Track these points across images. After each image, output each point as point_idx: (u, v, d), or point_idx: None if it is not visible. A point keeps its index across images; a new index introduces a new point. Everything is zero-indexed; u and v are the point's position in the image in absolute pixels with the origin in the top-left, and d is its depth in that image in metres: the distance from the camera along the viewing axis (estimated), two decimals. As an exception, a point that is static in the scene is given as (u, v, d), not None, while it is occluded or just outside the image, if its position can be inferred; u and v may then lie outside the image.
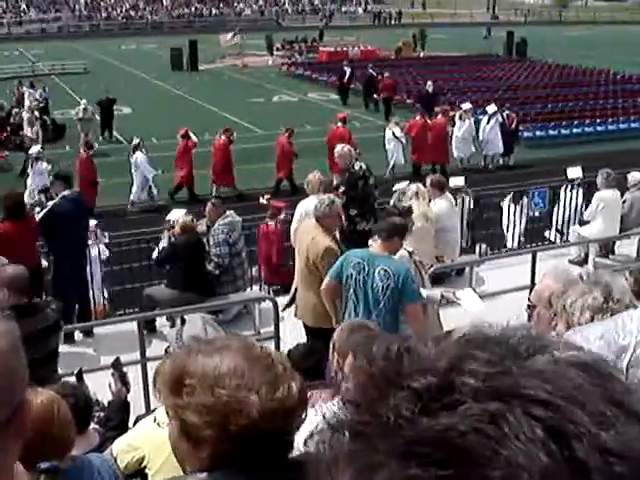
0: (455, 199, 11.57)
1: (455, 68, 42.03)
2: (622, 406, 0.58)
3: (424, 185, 10.14)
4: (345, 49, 47.92)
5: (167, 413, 1.74)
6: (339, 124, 19.62)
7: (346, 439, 0.61)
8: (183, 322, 5.93)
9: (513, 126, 22.35)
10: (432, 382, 0.61)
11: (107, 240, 11.11)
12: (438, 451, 0.55)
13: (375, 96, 30.49)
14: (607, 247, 12.47)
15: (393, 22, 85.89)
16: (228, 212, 9.87)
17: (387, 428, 0.59)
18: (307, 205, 9.74)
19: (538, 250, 10.73)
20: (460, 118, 21.73)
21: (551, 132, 25.58)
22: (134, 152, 17.99)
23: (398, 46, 49.49)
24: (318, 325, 7.13)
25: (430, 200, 9.95)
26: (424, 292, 6.61)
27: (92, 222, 10.67)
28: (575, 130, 26.12)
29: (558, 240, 12.91)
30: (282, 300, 8.45)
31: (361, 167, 11.43)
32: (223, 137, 18.63)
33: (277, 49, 50.63)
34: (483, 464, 0.54)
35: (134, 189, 18.07)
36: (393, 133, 20.39)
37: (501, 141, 21.74)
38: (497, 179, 18.83)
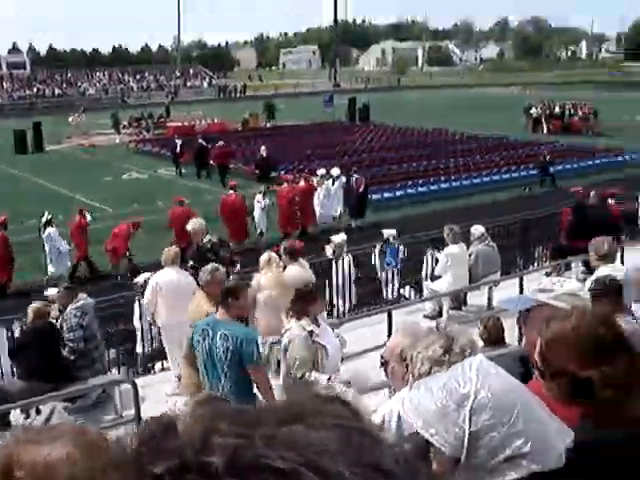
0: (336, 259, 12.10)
1: (302, 136, 43.00)
2: (372, 465, 0.62)
3: (279, 254, 10.24)
4: (192, 123, 48.19)
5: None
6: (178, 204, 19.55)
7: None
8: (38, 412, 5.69)
9: (361, 189, 22.95)
10: (175, 465, 0.62)
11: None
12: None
13: (212, 163, 31.20)
14: (459, 299, 12.90)
15: (238, 95, 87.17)
16: (80, 295, 9.61)
17: None
18: (162, 276, 9.83)
19: (393, 308, 10.96)
20: (318, 183, 22.35)
21: (397, 193, 26.40)
22: (45, 228, 17.97)
23: (245, 118, 50.17)
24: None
25: (285, 267, 10.03)
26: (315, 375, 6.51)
27: None
28: (420, 189, 27.10)
29: (412, 296, 13.27)
30: (140, 381, 8.26)
31: (210, 240, 11.43)
32: (77, 217, 18.68)
33: (124, 127, 50.23)
34: None
35: (50, 264, 18.03)
36: (259, 202, 20.71)
37: (342, 203, 22.65)
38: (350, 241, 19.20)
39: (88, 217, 19.15)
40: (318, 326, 6.63)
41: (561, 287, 2.96)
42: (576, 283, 3.18)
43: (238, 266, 12.03)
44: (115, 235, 18.24)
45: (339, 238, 13.49)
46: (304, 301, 6.63)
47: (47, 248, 18.02)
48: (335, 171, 23.34)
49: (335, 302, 13.02)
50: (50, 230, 17.93)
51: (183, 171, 32.76)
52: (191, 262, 11.14)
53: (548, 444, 1.74)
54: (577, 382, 2.29)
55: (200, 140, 33.32)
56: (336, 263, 13.11)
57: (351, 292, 13.31)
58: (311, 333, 6.51)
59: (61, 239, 18.10)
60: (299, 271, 10.18)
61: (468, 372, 1.73)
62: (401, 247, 14.20)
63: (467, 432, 1.65)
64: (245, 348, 6.27)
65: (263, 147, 30.46)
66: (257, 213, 20.88)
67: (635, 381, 2.26)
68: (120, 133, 48.58)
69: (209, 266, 8.14)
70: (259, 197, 20.87)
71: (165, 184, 29.96)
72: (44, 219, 18.35)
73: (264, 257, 9.64)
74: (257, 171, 29.38)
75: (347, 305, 13.20)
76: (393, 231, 14.56)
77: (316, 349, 6.49)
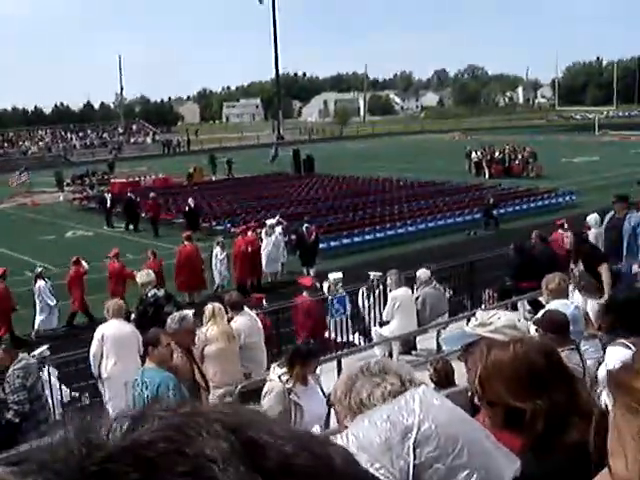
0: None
1: (247, 188, 43.12)
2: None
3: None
4: (137, 179, 47.95)
5: None
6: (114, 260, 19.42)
7: None
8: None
9: (312, 238, 23.01)
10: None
11: None
12: (128, 464, 0.60)
13: (143, 215, 32.71)
14: (409, 343, 12.94)
15: (182, 149, 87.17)
16: (21, 355, 9.38)
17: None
18: (107, 328, 9.80)
19: (342, 355, 10.93)
20: (266, 233, 22.34)
21: (345, 241, 26.50)
22: (36, 281, 17.96)
23: (189, 172, 50.15)
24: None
25: (231, 318, 9.95)
26: None
27: None
28: (367, 237, 27.25)
29: (362, 343, 13.25)
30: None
31: (155, 294, 11.32)
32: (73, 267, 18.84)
33: (67, 184, 49.74)
34: (173, 464, 0.59)
35: (38, 317, 17.88)
36: (216, 254, 20.61)
37: (284, 253, 22.79)
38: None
39: (85, 266, 19.17)
40: (306, 385, 6.48)
41: (499, 319, 2.99)
42: (511, 314, 3.21)
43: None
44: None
45: (336, 275, 14.37)
46: (297, 359, 6.52)
47: (37, 301, 17.94)
48: (270, 221, 23.58)
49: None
50: (40, 283, 17.89)
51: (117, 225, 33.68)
52: (133, 315, 11.05)
53: (493, 474, 1.73)
54: (510, 412, 2.31)
55: (129, 194, 34.86)
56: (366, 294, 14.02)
57: (347, 327, 13.88)
58: (290, 391, 6.39)
59: (50, 293, 18.02)
60: (246, 321, 10.12)
61: (411, 403, 1.72)
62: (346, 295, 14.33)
63: (412, 465, 1.64)
64: (160, 394, 6.31)
65: (190, 199, 31.53)
66: (217, 266, 20.73)
67: (571, 413, 2.28)
68: (64, 191, 48.06)
69: (176, 314, 7.99)
70: (218, 250, 20.68)
71: (111, 241, 29.67)
72: (36, 271, 18.44)
73: (208, 309, 9.47)
74: (185, 221, 30.44)
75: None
76: (339, 274, 14.73)
77: (290, 407, 6.36)
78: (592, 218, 17.20)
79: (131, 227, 32.66)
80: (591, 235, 16.63)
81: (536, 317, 7.33)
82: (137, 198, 34.03)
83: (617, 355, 4.28)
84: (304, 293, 13.91)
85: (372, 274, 14.50)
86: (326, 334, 13.48)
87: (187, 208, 30.85)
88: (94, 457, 0.62)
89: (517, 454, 2.03)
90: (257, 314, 11.80)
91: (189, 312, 8.38)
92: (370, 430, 1.69)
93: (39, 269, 18.53)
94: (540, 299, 8.68)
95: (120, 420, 0.66)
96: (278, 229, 22.90)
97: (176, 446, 0.61)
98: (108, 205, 34.79)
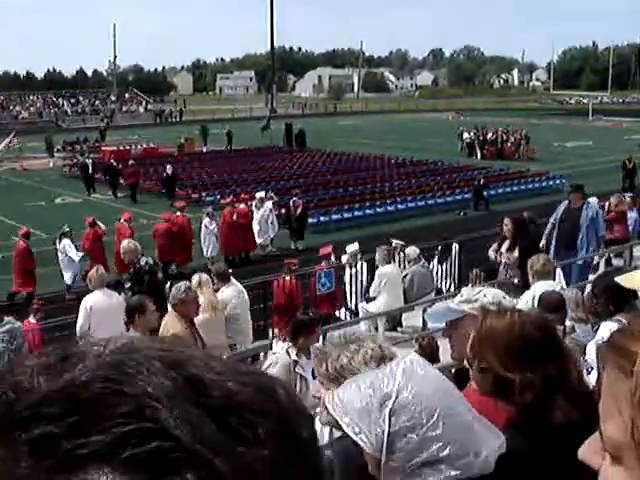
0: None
1: (238, 160, 43.01)
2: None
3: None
4: (127, 148, 47.70)
5: None
6: (123, 222, 19.49)
7: None
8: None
9: (299, 212, 22.98)
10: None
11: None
12: (63, 407, 0.56)
13: (122, 182, 33.25)
14: (395, 320, 12.96)
15: (174, 120, 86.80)
16: (6, 318, 9.36)
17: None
18: (92, 299, 9.71)
19: (329, 329, 10.93)
20: (256, 206, 22.28)
21: (334, 217, 26.48)
22: (61, 239, 18.01)
23: (180, 142, 49.95)
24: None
25: (217, 289, 9.92)
26: None
27: None
28: (357, 213, 27.23)
29: (348, 318, 13.27)
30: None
31: (147, 262, 11.30)
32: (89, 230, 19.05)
33: (57, 151, 49.46)
34: (112, 404, 0.56)
35: (66, 274, 17.96)
36: (205, 225, 20.43)
37: (275, 226, 22.71)
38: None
39: (102, 226, 19.42)
40: (308, 357, 6.38)
41: (484, 296, 2.97)
42: (497, 291, 3.19)
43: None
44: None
45: (353, 247, 14.50)
46: (299, 330, 6.47)
47: (60, 258, 18.06)
48: (260, 194, 23.50)
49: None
50: (66, 241, 17.97)
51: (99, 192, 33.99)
52: (128, 284, 11.00)
53: (470, 449, 1.71)
54: (499, 380, 2.31)
55: (111, 160, 36.03)
56: (350, 269, 14.11)
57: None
58: (295, 363, 6.32)
59: (75, 249, 18.12)
60: (232, 292, 10.10)
61: (395, 371, 1.71)
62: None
63: (387, 432, 1.63)
64: None
65: (169, 166, 31.69)
66: (205, 237, 20.51)
67: (559, 388, 2.27)
68: (53, 157, 47.80)
69: (181, 284, 7.96)
70: (207, 221, 20.47)
71: (98, 208, 29.55)
72: (61, 230, 18.44)
73: (195, 278, 9.35)
74: (163, 189, 31.35)
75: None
76: (356, 245, 14.82)
77: (296, 379, 6.29)
78: (593, 201, 17.27)
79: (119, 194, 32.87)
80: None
81: (527, 298, 7.36)
82: (118, 165, 34.52)
83: (612, 328, 4.28)
84: (323, 263, 14.51)
85: (394, 241, 14.66)
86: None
87: (165, 175, 31.24)
88: (24, 401, 0.57)
89: (502, 425, 2.02)
90: (290, 278, 12.75)
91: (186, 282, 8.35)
92: (354, 394, 1.68)
93: (66, 228, 18.45)
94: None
95: (48, 361, 0.61)
96: (268, 203, 22.83)
97: (115, 386, 0.57)
98: (90, 171, 35.00)
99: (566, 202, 13.53)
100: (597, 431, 0.98)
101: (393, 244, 14.50)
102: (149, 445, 0.55)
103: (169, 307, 7.90)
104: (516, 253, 11.11)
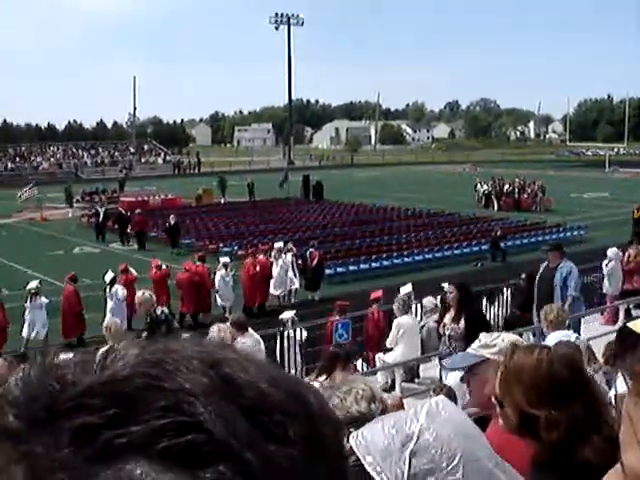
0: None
1: (255, 212, 43.24)
2: (261, 359, 0.70)
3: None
4: (146, 198, 48.12)
5: None
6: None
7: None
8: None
9: (315, 262, 23.03)
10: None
11: None
12: (104, 400, 0.59)
13: (129, 231, 34.54)
14: (412, 371, 12.87)
15: (192, 171, 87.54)
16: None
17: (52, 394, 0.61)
18: None
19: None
20: (275, 257, 22.39)
21: (351, 267, 26.49)
22: (111, 286, 18.25)
23: (198, 193, 50.33)
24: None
25: (233, 339, 9.90)
26: None
27: None
28: (373, 264, 27.24)
29: (365, 368, 13.20)
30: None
31: (163, 312, 11.34)
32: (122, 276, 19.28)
33: (77, 201, 49.95)
34: (151, 399, 0.59)
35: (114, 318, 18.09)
36: (221, 276, 20.47)
37: (294, 278, 22.64)
38: (305, 315, 19.18)
39: (133, 272, 19.84)
40: None
41: (502, 341, 2.97)
42: (514, 336, 3.20)
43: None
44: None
45: (407, 289, 13.98)
46: (335, 364, 6.45)
47: (110, 304, 18.10)
48: (279, 244, 23.67)
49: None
50: (118, 287, 18.27)
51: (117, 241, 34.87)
52: (145, 334, 11.03)
53: (489, 496, 1.70)
54: (525, 418, 2.30)
55: (120, 209, 37.61)
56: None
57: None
58: None
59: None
60: (249, 342, 10.09)
61: (419, 412, 1.70)
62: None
63: (406, 475, 1.62)
64: None
65: (172, 216, 32.86)
66: (221, 288, 20.53)
67: (587, 427, 2.26)
68: (73, 207, 48.25)
69: (214, 331, 7.98)
70: (223, 272, 20.55)
71: (117, 258, 29.72)
72: (111, 277, 18.62)
73: (214, 329, 9.41)
74: (168, 238, 32.20)
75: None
76: (409, 287, 14.01)
77: None
78: (612, 252, 17.26)
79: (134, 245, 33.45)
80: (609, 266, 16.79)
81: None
82: (127, 213, 35.92)
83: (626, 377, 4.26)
84: (374, 306, 14.73)
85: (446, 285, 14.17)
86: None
87: (168, 225, 32.17)
88: (68, 392, 0.60)
89: (528, 463, 2.01)
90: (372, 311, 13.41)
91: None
92: (378, 434, 1.68)
93: (111, 274, 18.74)
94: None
95: (91, 358, 0.65)
96: (289, 254, 22.91)
97: (155, 381, 0.60)
98: (100, 220, 36.43)
99: (545, 263, 13.47)
100: (619, 462, 0.97)
101: (445, 288, 14.32)
102: (184, 437, 0.57)
103: None
104: (462, 323, 10.10)
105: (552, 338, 7.30)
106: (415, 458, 1.62)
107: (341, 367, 6.40)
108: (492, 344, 2.97)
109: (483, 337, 3.08)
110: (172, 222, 32.08)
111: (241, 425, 0.60)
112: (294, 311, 15.50)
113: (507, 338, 3.02)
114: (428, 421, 1.67)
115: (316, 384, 6.38)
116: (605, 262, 17.29)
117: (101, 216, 36.53)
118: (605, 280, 17.33)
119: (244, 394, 0.62)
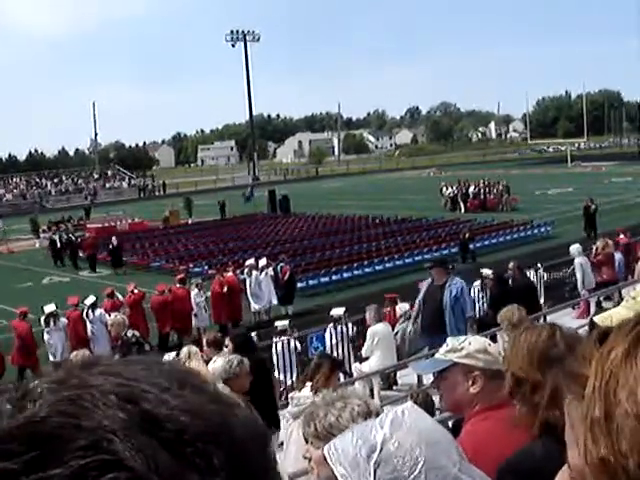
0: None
1: (223, 230, 43.15)
2: (186, 384, 0.67)
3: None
4: (113, 224, 47.82)
5: None
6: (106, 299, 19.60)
7: None
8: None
9: (286, 277, 23.01)
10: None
11: None
12: (23, 443, 0.57)
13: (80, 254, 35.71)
14: (389, 379, 12.88)
15: (158, 193, 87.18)
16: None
17: None
18: None
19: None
20: (247, 274, 22.35)
21: (322, 279, 26.48)
22: (93, 311, 18.12)
23: (165, 215, 50.14)
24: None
25: (208, 360, 9.79)
26: None
27: None
28: (345, 275, 27.25)
29: (342, 379, 13.17)
30: None
31: (134, 334, 11.31)
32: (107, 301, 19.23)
33: (43, 231, 49.44)
34: (71, 438, 0.58)
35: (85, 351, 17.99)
36: (193, 296, 20.41)
37: (274, 293, 22.48)
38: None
39: (120, 297, 19.61)
40: None
41: (469, 345, 2.98)
42: (481, 338, 3.21)
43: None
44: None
45: (404, 306, 14.40)
46: (322, 369, 6.43)
47: (92, 329, 18.01)
48: (262, 262, 23.46)
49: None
50: (100, 311, 18.12)
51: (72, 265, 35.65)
52: (117, 356, 10.97)
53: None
54: (517, 381, 2.61)
55: (70, 234, 38.99)
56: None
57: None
58: None
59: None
60: (219, 363, 9.95)
61: (383, 421, 1.71)
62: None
63: (370, 485, 1.62)
64: None
65: (114, 237, 34.16)
66: (197, 310, 20.44)
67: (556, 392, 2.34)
68: (39, 237, 47.77)
69: (233, 357, 7.43)
70: (195, 292, 20.52)
71: (87, 286, 29.49)
72: (91, 302, 18.42)
73: (184, 351, 9.19)
74: (110, 258, 33.26)
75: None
76: (406, 305, 14.62)
77: None
78: (574, 248, 17.41)
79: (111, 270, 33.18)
80: (576, 264, 16.96)
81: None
82: (77, 240, 37.81)
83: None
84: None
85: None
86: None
87: (111, 246, 33.05)
88: None
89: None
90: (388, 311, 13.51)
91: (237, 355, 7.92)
92: (347, 444, 1.68)
93: (93, 299, 18.54)
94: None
95: (5, 397, 0.63)
96: (269, 268, 22.93)
97: (73, 420, 0.59)
98: (58, 246, 37.44)
99: (429, 280, 12.16)
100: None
101: (484, 274, 15.61)
102: (106, 476, 0.56)
103: (219, 384, 7.38)
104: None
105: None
106: (379, 469, 1.63)
107: (328, 372, 6.39)
108: (459, 347, 2.99)
109: (450, 341, 3.09)
110: (115, 243, 33.15)
111: (163, 459, 0.59)
112: (287, 320, 15.77)
113: (474, 342, 3.03)
114: (392, 430, 1.67)
115: (308, 401, 6.33)
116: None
117: (57, 243, 37.52)
118: (577, 276, 17.38)
119: (164, 427, 0.61)
